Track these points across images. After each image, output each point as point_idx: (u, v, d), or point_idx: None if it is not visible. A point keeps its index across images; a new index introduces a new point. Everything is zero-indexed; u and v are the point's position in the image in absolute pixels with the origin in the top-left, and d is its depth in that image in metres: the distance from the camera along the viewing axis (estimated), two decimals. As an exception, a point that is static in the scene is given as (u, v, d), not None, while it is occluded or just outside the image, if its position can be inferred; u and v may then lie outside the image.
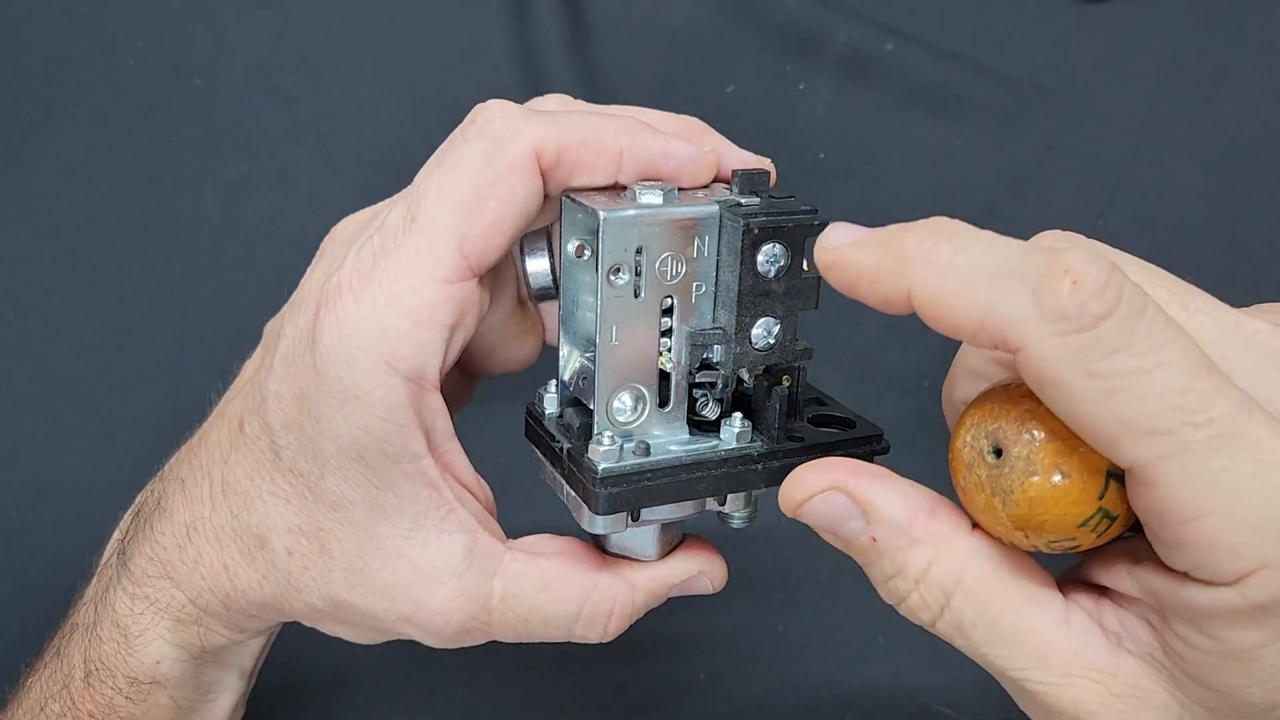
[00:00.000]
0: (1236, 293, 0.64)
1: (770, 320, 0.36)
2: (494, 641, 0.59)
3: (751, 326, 0.35)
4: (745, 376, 0.38)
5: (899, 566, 0.31)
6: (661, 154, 0.35)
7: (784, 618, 0.60)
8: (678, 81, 0.66)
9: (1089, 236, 0.65)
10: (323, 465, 0.35)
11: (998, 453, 0.30)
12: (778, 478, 0.35)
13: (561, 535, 0.39)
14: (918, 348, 0.64)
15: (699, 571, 0.40)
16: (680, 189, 0.36)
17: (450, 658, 0.60)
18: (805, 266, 0.35)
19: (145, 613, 0.39)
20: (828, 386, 0.67)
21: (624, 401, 0.36)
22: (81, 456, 0.62)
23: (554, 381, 0.39)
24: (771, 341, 0.36)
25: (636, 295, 0.35)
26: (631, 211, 0.34)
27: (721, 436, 0.37)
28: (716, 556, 0.41)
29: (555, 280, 0.40)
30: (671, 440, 0.37)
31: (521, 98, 0.38)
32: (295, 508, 0.36)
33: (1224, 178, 0.65)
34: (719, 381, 0.37)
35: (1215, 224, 0.65)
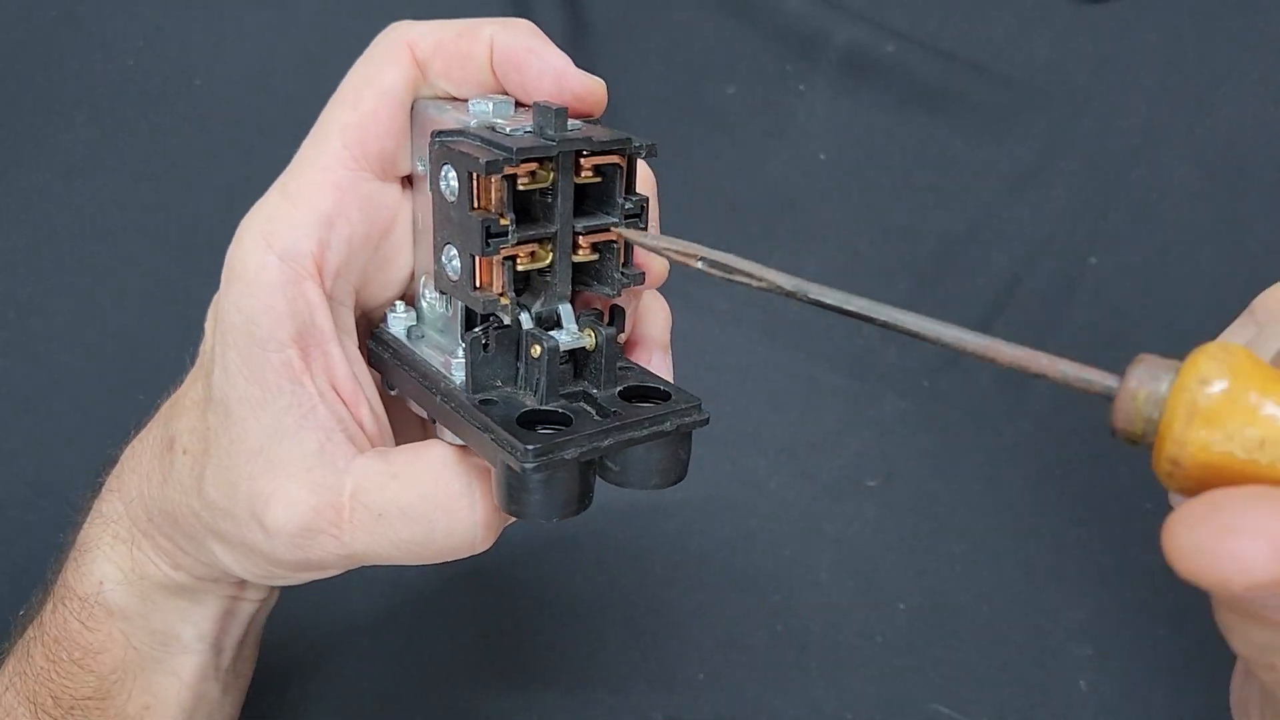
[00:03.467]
0: (1236, 292, 0.64)
1: (452, 249, 0.33)
2: (489, 632, 0.59)
3: (441, 250, 0.34)
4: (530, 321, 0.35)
5: None
6: (525, 49, 0.35)
7: (784, 618, 0.61)
8: (678, 82, 0.66)
9: (1089, 237, 0.66)
10: (213, 361, 0.36)
11: None
12: (451, 423, 0.34)
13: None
14: (918, 348, 0.64)
15: None
16: (524, 105, 0.35)
17: (450, 657, 0.60)
18: (473, 205, 0.33)
19: (94, 525, 0.41)
20: (828, 386, 0.67)
21: (428, 289, 0.37)
22: (81, 456, 0.62)
23: (401, 304, 0.38)
24: (456, 276, 0.33)
25: (430, 188, 0.34)
26: (431, 109, 0.35)
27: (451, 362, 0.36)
28: None
29: None
30: (443, 344, 0.36)
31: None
32: (198, 410, 0.37)
33: (1223, 178, 0.65)
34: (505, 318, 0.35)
35: (1215, 224, 0.65)
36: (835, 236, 0.66)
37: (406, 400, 0.37)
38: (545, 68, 0.35)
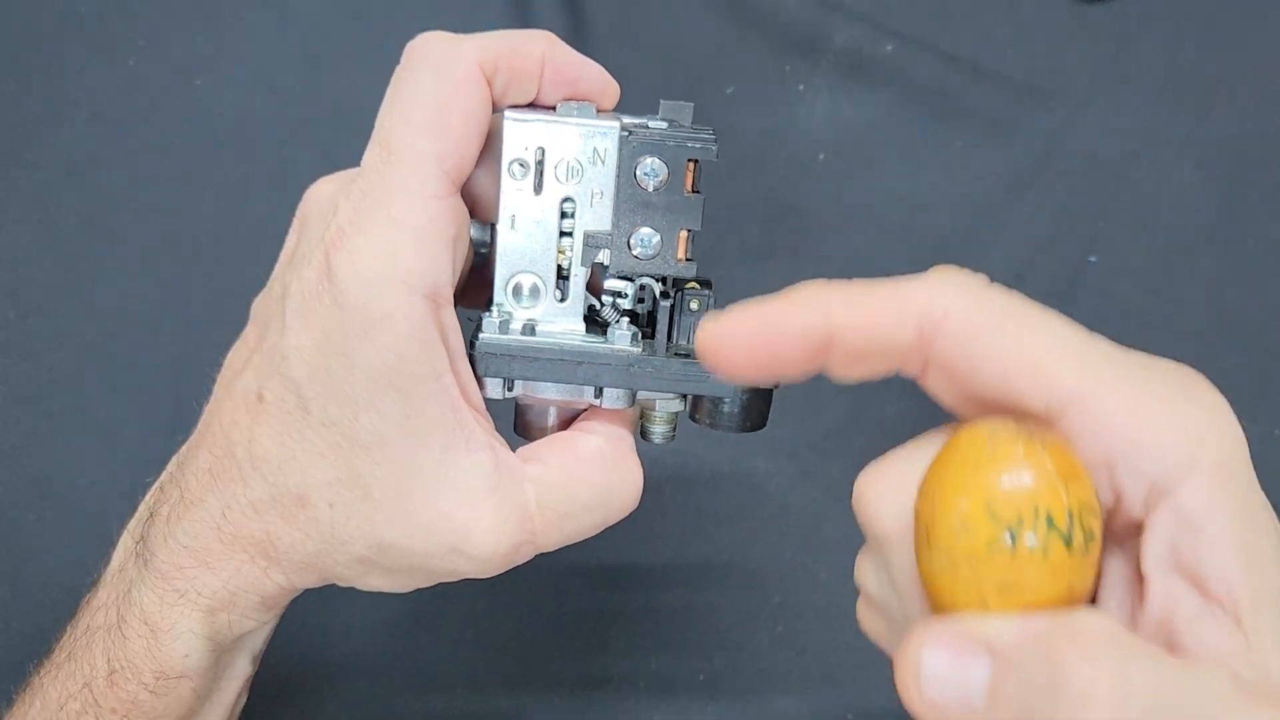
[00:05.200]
0: (1236, 294, 0.64)
1: (650, 231, 0.39)
2: (489, 633, 0.59)
3: (630, 234, 0.39)
4: (658, 293, 0.41)
5: None
6: (572, 63, 0.38)
7: (784, 618, 0.61)
8: (678, 82, 0.66)
9: (1089, 237, 0.66)
10: (354, 405, 0.35)
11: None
12: (642, 382, 0.39)
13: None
14: (917, 348, 0.64)
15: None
16: (602, 109, 0.40)
17: (448, 658, 0.60)
18: (688, 186, 0.39)
19: (176, 605, 0.39)
20: (825, 387, 0.67)
21: (521, 287, 0.39)
22: (81, 456, 0.62)
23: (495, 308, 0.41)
24: (651, 253, 0.39)
25: (537, 192, 0.38)
26: (533, 116, 0.38)
27: (607, 336, 0.40)
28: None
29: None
30: (573, 328, 0.40)
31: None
32: (331, 460, 0.36)
33: (1224, 179, 0.65)
34: (629, 292, 0.40)
35: (1215, 225, 0.65)
36: (835, 237, 0.66)
37: (530, 395, 0.40)
38: (593, 78, 0.39)
